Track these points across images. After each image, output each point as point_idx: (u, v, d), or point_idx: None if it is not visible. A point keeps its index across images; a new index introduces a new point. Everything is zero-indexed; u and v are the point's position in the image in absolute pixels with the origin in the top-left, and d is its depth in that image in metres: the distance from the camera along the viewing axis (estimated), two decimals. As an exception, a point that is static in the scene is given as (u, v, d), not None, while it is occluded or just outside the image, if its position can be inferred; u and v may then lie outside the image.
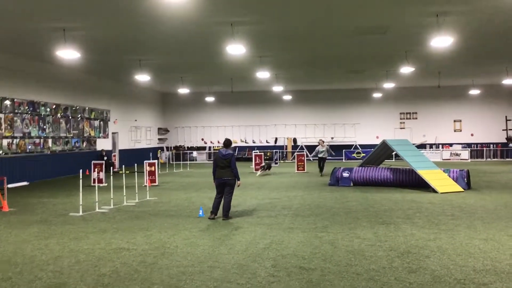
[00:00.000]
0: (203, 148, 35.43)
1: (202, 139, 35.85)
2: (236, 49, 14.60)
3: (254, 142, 35.15)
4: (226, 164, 10.47)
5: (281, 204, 12.54)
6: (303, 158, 23.73)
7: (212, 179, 10.79)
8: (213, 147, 35.15)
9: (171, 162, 31.42)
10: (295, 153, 24.95)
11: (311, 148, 34.11)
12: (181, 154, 33.71)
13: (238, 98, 34.32)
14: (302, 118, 35.07)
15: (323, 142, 21.76)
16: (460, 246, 7.53)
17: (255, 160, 24.03)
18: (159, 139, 34.73)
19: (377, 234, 8.51)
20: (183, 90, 29.37)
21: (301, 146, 34.30)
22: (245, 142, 35.44)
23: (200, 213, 10.77)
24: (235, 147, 34.01)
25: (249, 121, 35.46)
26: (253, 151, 27.15)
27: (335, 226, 9.37)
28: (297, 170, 23.39)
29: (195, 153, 34.60)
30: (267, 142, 35.22)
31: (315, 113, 35.06)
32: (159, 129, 34.82)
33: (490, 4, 12.26)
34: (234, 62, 20.45)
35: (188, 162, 30.64)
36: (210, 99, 33.13)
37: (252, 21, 13.58)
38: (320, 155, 21.42)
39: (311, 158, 20.87)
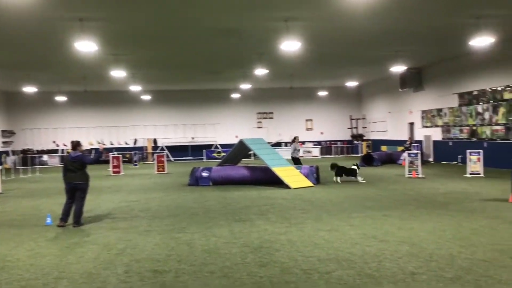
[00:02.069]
0: (55, 151, 33.09)
1: (54, 142, 33.48)
2: (86, 46, 13.84)
3: (112, 144, 33.79)
4: (77, 167, 9.91)
5: (138, 207, 12.21)
6: (163, 159, 23.42)
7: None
8: (66, 150, 33.02)
9: (17, 167, 28.80)
10: (155, 154, 24.51)
11: (172, 149, 33.85)
12: (29, 158, 31.08)
13: (93, 98, 32.71)
14: (162, 119, 34.64)
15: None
16: (307, 238, 8.02)
17: (113, 162, 23.11)
18: (3, 142, 31.60)
19: (232, 232, 8.70)
20: (30, 89, 27.07)
21: (162, 147, 33.84)
22: (103, 144, 33.89)
23: (48, 221, 10.01)
24: (91, 149, 32.30)
25: (106, 122, 34.02)
26: (111, 153, 26.10)
27: (192, 226, 9.38)
28: (157, 171, 23.01)
29: (45, 157, 32.15)
30: (126, 143, 34.12)
31: (175, 114, 34.86)
32: (2, 131, 31.67)
33: (332, 12, 13.26)
34: (86, 60, 19.40)
35: (38, 166, 28.39)
36: (61, 98, 30.97)
37: (103, 17, 13.03)
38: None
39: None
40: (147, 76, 25.49)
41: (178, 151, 34.41)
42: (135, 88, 28.39)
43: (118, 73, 21.00)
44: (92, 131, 33.72)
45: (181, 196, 14.01)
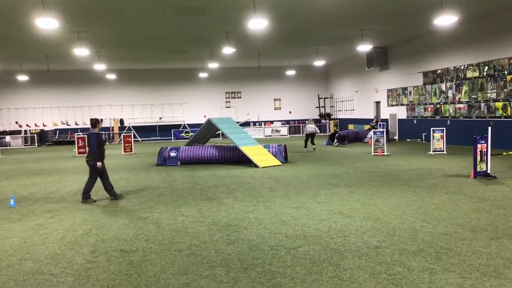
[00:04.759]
0: (18, 132, 32.22)
1: (17, 122, 32.58)
2: (47, 23, 13.37)
3: (77, 124, 33.13)
4: (88, 144, 10.17)
5: (105, 187, 12.04)
6: (130, 140, 23.12)
7: None
8: (30, 130, 32.22)
9: (-22, 149, 27.95)
10: (122, 135, 24.17)
11: (139, 129, 33.44)
12: (-9, 139, 30.19)
13: (57, 77, 31.91)
14: (128, 98, 34.09)
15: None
16: (275, 215, 8.10)
17: (78, 143, 22.68)
18: (-38, 123, 30.57)
19: (201, 211, 8.71)
20: (-11, 68, 26.17)
21: (129, 127, 33.37)
22: (67, 125, 33.21)
23: (12, 203, 9.81)
24: (56, 129, 31.60)
25: (71, 102, 33.27)
26: (76, 134, 25.60)
27: (160, 206, 9.34)
28: (124, 151, 22.73)
29: (8, 138, 31.28)
30: (91, 123, 33.44)
31: (142, 93, 34.35)
32: (-38, 112, 30.64)
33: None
34: (48, 38, 18.83)
35: (0, 148, 27.61)
36: (23, 78, 30.05)
37: (65, -7, 12.62)
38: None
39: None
40: (112, 54, 24.96)
41: (145, 131, 34.03)
42: (99, 67, 27.75)
43: (81, 52, 20.45)
44: (56, 111, 32.94)
45: (148, 176, 13.90)
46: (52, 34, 17.81)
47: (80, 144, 22.61)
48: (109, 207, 9.33)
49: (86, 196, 10.03)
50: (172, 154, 16.71)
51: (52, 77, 31.32)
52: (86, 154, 10.39)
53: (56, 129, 32.51)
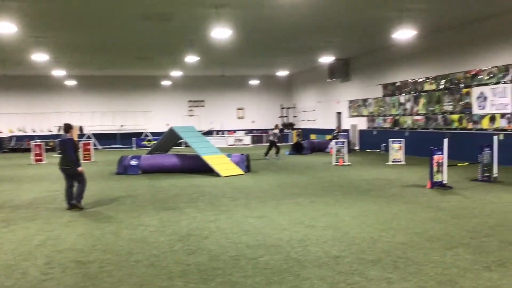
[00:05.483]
0: (-29, 139, 31.01)
1: (-30, 129, 31.36)
2: (5, 28, 12.95)
3: (34, 131, 32.15)
4: (63, 151, 9.81)
5: (62, 196, 11.62)
6: (89, 147, 22.62)
7: None
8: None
9: None
10: (82, 142, 23.61)
11: (100, 137, 32.76)
12: None
13: (14, 83, 30.91)
14: (89, 105, 33.36)
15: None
16: (237, 225, 8.07)
17: (35, 151, 22.01)
18: None
19: (161, 220, 8.59)
20: None
21: (88, 135, 32.64)
22: (24, 132, 32.19)
23: (-38, 213, 9.41)
24: (11, 136, 30.53)
25: (28, 108, 32.24)
26: (33, 141, 24.83)
27: (119, 215, 9.15)
28: (84, 159, 22.17)
29: (-40, 145, 30.03)
30: (49, 131, 32.56)
31: (103, 100, 33.69)
32: None
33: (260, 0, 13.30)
34: (5, 43, 18.26)
35: (-48, 155, 26.50)
36: (-22, 83, 29.01)
37: (24, -3, 12.28)
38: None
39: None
40: (72, 60, 24.40)
41: (106, 139, 33.38)
42: (59, 73, 27.06)
43: (40, 57, 19.91)
44: (13, 117, 31.88)
45: (108, 185, 13.62)
46: (9, 39, 17.28)
47: (36, 152, 21.95)
48: (65, 217, 9.07)
49: (78, 199, 9.86)
50: (133, 162, 16.44)
51: (9, 82, 30.32)
52: (59, 161, 9.94)
53: (12, 136, 31.46)
